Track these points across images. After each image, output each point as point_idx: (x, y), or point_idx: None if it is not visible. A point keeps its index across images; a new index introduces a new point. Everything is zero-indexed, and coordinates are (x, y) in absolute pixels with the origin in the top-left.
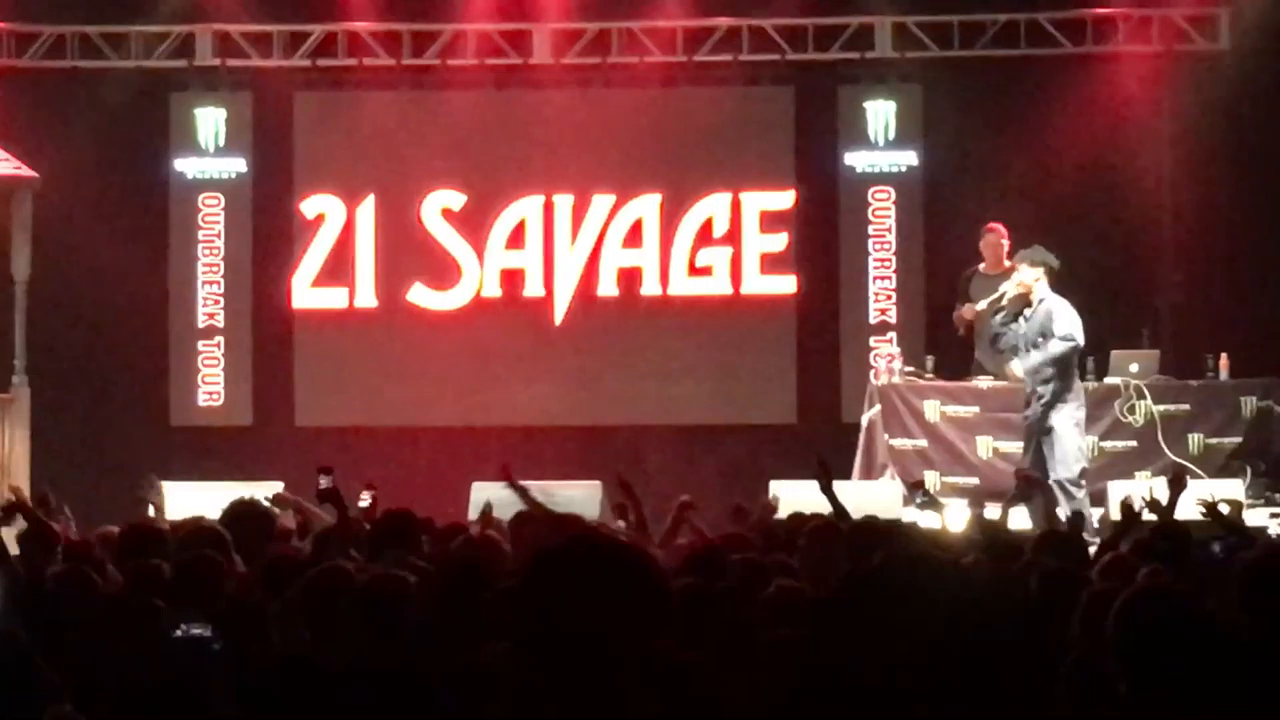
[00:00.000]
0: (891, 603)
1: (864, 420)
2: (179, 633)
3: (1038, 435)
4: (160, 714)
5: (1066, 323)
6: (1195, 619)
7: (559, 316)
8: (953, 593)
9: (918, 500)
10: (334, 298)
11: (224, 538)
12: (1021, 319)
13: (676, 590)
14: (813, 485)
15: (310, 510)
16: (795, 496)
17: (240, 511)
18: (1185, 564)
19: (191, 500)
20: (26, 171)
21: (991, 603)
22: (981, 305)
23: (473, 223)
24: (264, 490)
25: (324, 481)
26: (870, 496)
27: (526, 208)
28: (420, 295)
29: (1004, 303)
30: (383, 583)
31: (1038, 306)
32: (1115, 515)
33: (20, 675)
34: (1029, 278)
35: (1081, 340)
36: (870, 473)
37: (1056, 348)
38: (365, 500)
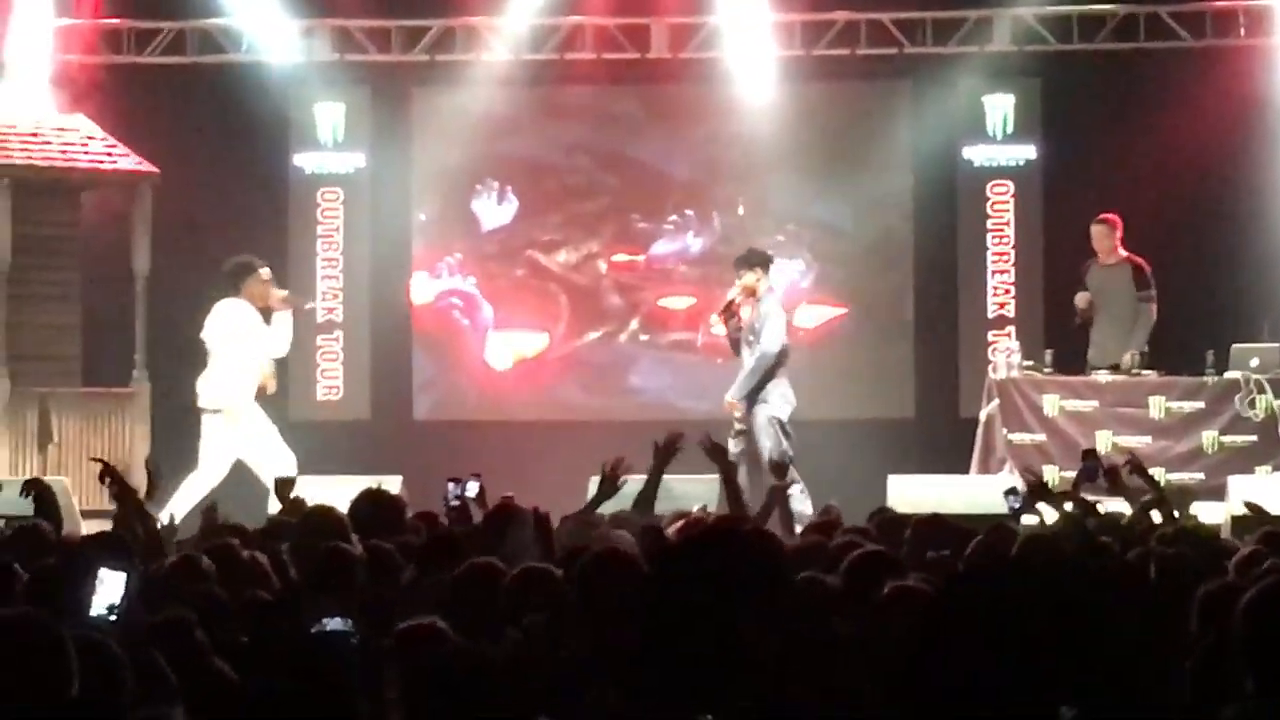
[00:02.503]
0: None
1: (982, 415)
2: (316, 627)
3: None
4: (298, 714)
5: (769, 336)
6: None
7: (679, 307)
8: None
9: (1012, 503)
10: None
11: (346, 526)
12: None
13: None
14: (930, 480)
15: None
16: (913, 492)
17: (371, 501)
18: None
19: (309, 494)
20: (147, 167)
21: (1104, 595)
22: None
23: (589, 216)
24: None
25: (453, 495)
26: (982, 491)
27: (642, 202)
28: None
29: (733, 306)
30: (531, 576)
31: (756, 307)
32: (1237, 511)
33: (140, 671)
34: (749, 279)
35: (774, 353)
36: (988, 467)
37: (753, 363)
38: (473, 489)
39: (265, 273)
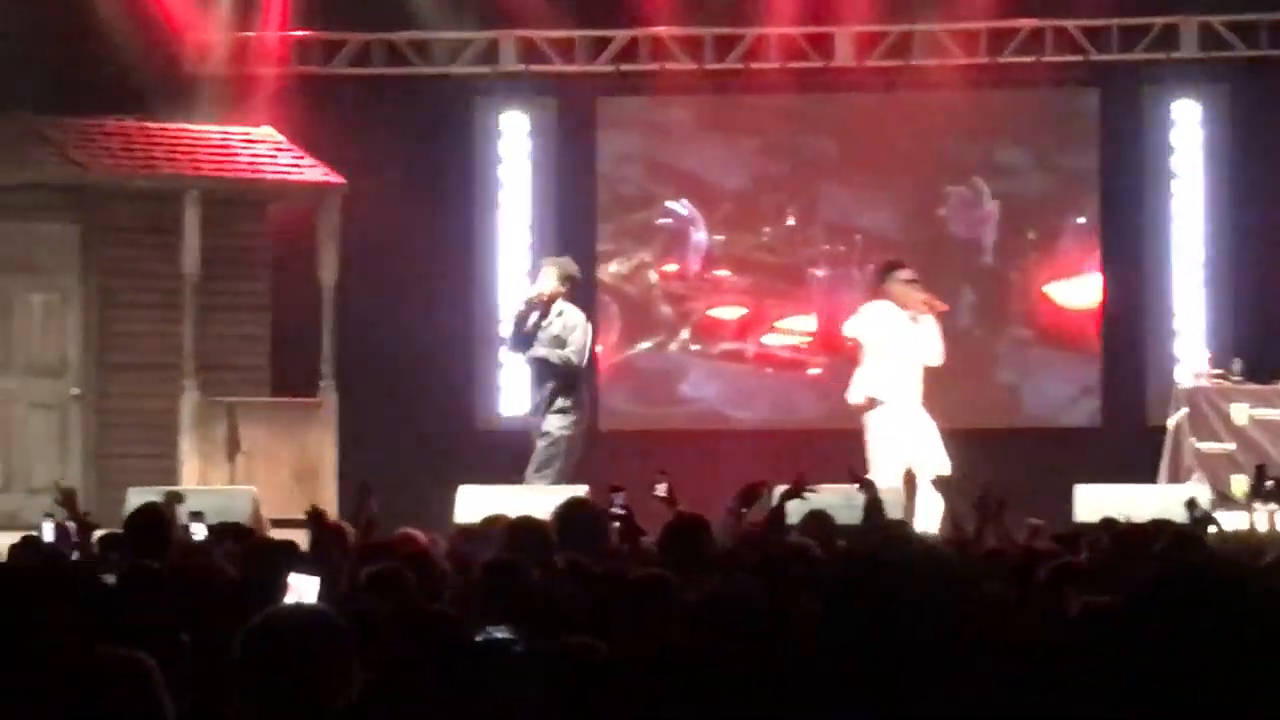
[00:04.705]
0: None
1: (1170, 424)
2: (480, 636)
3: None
4: None
5: (578, 343)
6: None
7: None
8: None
9: (1194, 514)
10: None
11: (545, 534)
12: (538, 316)
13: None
14: (1118, 489)
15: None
16: (1101, 502)
17: (573, 509)
18: None
19: (492, 504)
20: (334, 178)
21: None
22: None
23: (775, 224)
24: (566, 495)
25: (616, 505)
26: (1171, 501)
27: (827, 210)
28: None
29: (533, 300)
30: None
31: (554, 318)
32: None
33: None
34: (547, 286)
35: (582, 365)
36: (1177, 477)
37: (558, 358)
38: (661, 490)
39: (905, 274)
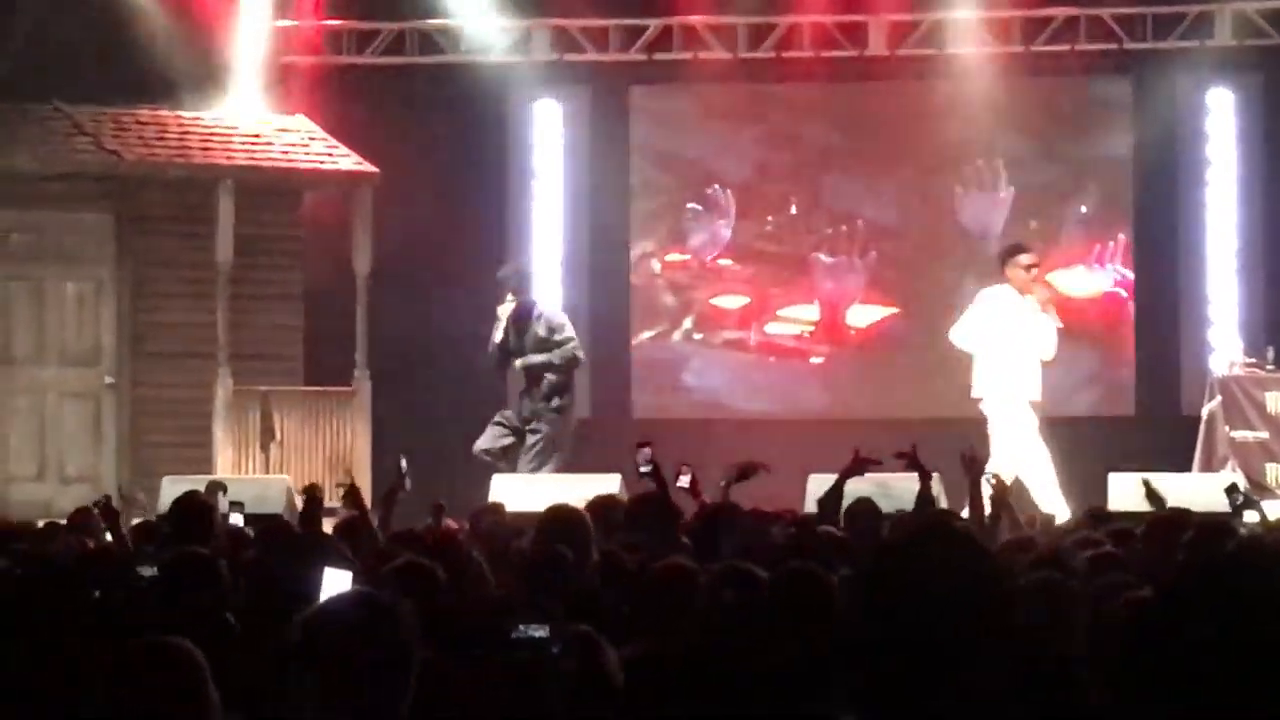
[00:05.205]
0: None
1: (1204, 412)
2: (516, 634)
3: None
4: None
5: (573, 336)
6: None
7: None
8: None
9: (1235, 500)
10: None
11: (588, 527)
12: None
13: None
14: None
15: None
16: (1134, 490)
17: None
18: None
19: (526, 493)
20: (367, 167)
21: None
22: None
23: (807, 212)
24: (604, 484)
25: (643, 461)
26: (1205, 489)
27: (861, 199)
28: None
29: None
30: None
31: (533, 323)
32: None
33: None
34: (509, 300)
35: (582, 356)
36: (1210, 465)
37: (560, 358)
38: (685, 480)
39: (1025, 258)
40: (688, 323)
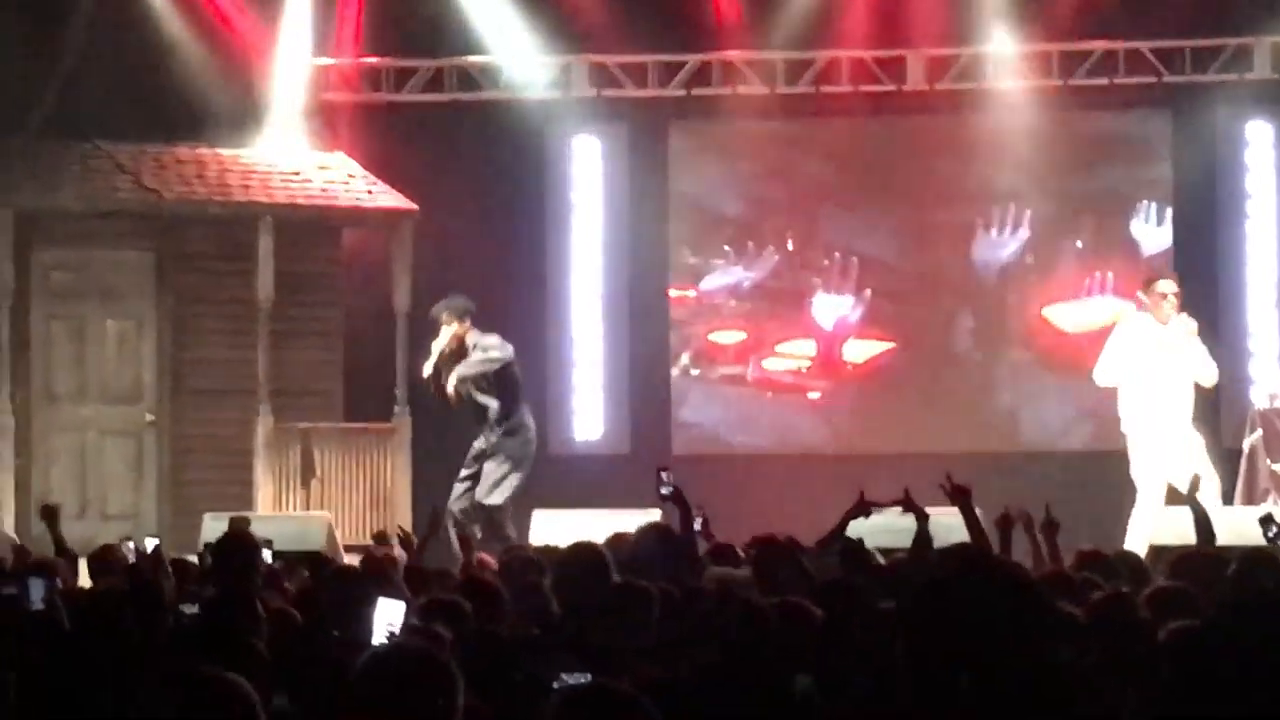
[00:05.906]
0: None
1: (1245, 445)
2: (557, 683)
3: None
4: None
5: (497, 347)
6: None
7: (931, 337)
8: None
9: (1269, 531)
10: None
11: (607, 563)
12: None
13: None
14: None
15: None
16: (1177, 523)
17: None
18: None
19: (567, 528)
20: (406, 204)
21: None
22: (457, 372)
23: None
24: (640, 518)
25: (664, 484)
26: (1246, 522)
27: (900, 233)
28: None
29: (437, 358)
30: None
31: (472, 352)
32: None
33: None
34: (446, 336)
35: (508, 357)
36: (1252, 498)
37: (482, 367)
38: (698, 524)
39: (1162, 286)
40: (685, 358)
